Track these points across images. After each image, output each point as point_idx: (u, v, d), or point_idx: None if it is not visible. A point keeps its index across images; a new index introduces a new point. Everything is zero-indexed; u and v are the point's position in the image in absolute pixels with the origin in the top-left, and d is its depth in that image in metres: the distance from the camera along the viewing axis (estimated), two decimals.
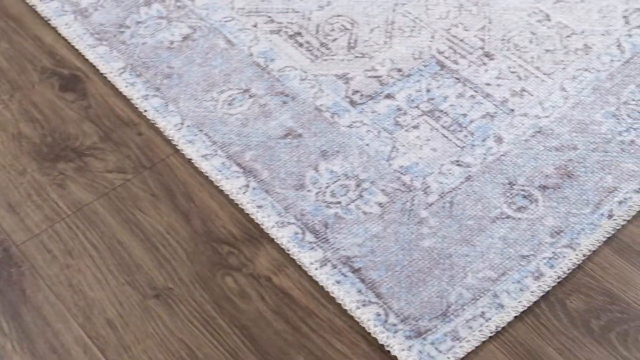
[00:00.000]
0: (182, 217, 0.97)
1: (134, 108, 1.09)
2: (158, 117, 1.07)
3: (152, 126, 1.07)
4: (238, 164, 1.02)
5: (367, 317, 0.86)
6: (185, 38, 1.18)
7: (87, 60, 1.14)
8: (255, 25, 1.20)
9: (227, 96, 1.10)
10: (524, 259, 0.91)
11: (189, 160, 1.03)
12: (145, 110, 1.08)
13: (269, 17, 1.21)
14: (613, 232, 0.94)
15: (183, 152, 1.03)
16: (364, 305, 0.87)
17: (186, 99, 1.09)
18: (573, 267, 0.91)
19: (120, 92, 1.10)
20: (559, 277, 0.90)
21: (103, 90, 1.11)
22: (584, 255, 0.91)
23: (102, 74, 1.12)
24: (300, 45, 1.17)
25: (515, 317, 0.87)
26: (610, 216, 0.95)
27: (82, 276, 0.92)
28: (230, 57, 1.15)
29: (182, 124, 1.06)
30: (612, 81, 1.10)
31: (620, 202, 0.96)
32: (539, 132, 1.04)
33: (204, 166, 1.01)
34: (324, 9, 1.22)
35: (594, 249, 0.92)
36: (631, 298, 0.88)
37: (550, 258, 0.91)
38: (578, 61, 1.13)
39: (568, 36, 1.17)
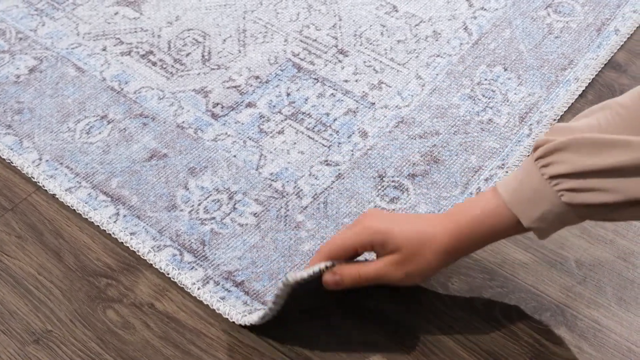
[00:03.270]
0: (53, 256, 0.94)
1: None
2: (13, 155, 1.03)
3: (8, 166, 1.02)
4: (105, 193, 0.99)
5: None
6: (32, 70, 1.13)
7: None
8: (104, 49, 1.17)
9: (84, 125, 1.06)
10: None
11: (53, 196, 0.99)
12: None
13: (118, 38, 1.18)
14: None
15: (45, 188, 0.99)
16: (250, 313, 0.86)
17: (41, 133, 1.05)
18: None
19: None
20: None
21: None
22: None
23: None
24: (154, 64, 1.15)
25: (402, 305, 0.88)
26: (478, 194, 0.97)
27: None
28: (82, 84, 1.12)
29: (40, 159, 1.02)
30: (464, 64, 1.13)
31: (486, 180, 0.99)
32: (401, 122, 1.06)
33: (69, 200, 0.98)
34: (173, 25, 1.21)
35: None
36: (508, 272, 0.90)
37: None
38: (429, 48, 1.16)
39: (417, 25, 1.20)
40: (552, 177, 0.72)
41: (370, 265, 0.80)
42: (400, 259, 0.78)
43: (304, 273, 0.79)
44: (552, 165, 0.72)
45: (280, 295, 0.80)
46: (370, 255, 0.87)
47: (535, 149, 0.74)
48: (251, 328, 0.85)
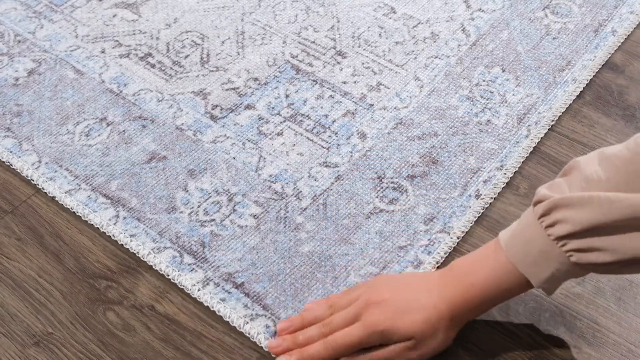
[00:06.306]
0: (53, 258, 0.94)
1: None
2: (13, 158, 1.03)
3: (7, 168, 1.03)
4: (104, 195, 0.99)
5: (256, 330, 0.86)
6: (31, 73, 1.14)
7: None
8: (103, 51, 1.17)
9: (83, 127, 1.07)
10: (402, 249, 0.93)
11: (52, 198, 0.99)
12: None
13: (116, 41, 1.18)
14: (482, 211, 0.96)
15: (45, 191, 1.00)
16: (251, 319, 0.86)
17: (40, 136, 1.05)
18: (449, 251, 0.93)
19: None
20: (437, 263, 0.91)
21: None
22: (458, 238, 0.94)
23: None
24: (153, 66, 1.15)
25: None
26: (477, 196, 0.98)
27: None
28: (81, 86, 1.12)
29: (39, 162, 1.02)
30: (462, 65, 1.14)
31: (485, 181, 0.99)
32: (400, 123, 1.06)
33: (69, 202, 0.98)
34: (172, 27, 1.21)
35: (467, 230, 0.95)
36: None
37: (426, 245, 0.93)
38: (427, 49, 1.16)
39: (415, 26, 1.20)
40: (559, 238, 0.72)
41: (382, 353, 0.80)
42: (411, 345, 0.79)
43: None
44: (557, 225, 0.72)
45: None
46: None
47: (536, 204, 0.74)
48: None
